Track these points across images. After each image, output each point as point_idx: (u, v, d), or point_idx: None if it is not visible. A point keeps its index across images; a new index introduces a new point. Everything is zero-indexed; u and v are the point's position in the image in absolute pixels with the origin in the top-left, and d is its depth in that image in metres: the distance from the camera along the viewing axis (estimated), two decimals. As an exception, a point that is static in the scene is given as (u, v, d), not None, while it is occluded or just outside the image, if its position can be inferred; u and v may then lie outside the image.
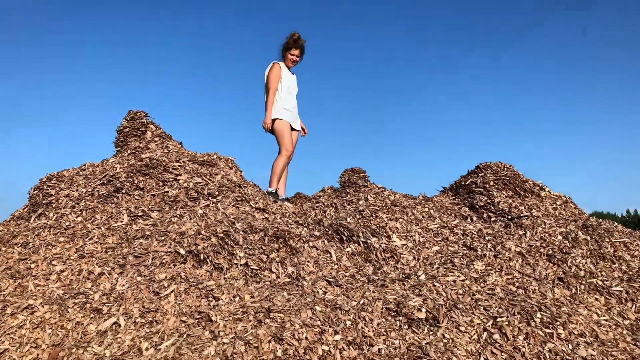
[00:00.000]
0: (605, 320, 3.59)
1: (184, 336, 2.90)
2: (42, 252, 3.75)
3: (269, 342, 2.82)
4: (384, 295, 3.35)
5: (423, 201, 5.05)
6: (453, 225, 4.40)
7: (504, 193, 5.11)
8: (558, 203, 5.27)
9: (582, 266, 3.98)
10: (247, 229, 3.76)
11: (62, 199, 4.33)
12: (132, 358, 2.81)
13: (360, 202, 4.67)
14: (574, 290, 3.78)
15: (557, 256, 4.00)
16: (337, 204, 4.80)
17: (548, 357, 3.01)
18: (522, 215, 4.81)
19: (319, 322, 2.98)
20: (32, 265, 3.60)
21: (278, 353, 2.75)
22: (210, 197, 4.26)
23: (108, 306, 3.12)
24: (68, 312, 3.10)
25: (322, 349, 2.83)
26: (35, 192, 4.53)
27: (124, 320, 3.03)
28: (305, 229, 4.10)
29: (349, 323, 3.02)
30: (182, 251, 3.51)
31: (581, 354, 3.08)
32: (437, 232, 4.31)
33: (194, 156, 4.85)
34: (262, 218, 4.22)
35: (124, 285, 3.29)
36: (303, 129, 5.59)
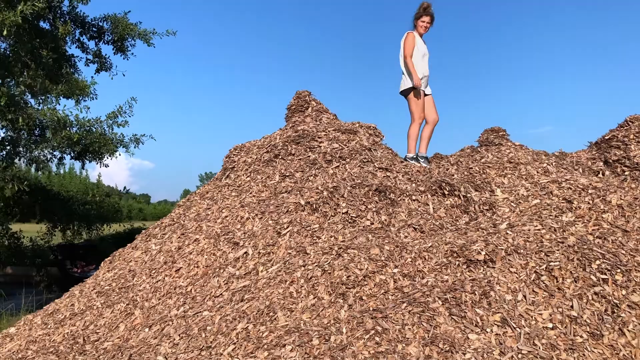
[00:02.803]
0: (698, 273, 3.50)
1: (286, 263, 3.91)
2: (219, 203, 5.14)
3: (340, 270, 3.66)
4: (455, 240, 3.87)
5: (554, 158, 5.16)
6: (564, 180, 4.53)
7: (645, 146, 4.90)
8: None
9: (692, 220, 3.82)
10: (355, 185, 4.58)
11: (240, 164, 5.70)
12: (251, 276, 3.94)
13: (482, 160, 5.06)
14: (670, 243, 3.71)
15: (660, 209, 3.91)
16: (463, 162, 5.26)
17: (591, 298, 3.23)
18: (659, 168, 4.62)
19: (383, 258, 3.71)
20: (209, 212, 5.00)
21: (343, 278, 3.58)
22: (341, 160, 5.16)
23: (244, 241, 4.30)
24: (219, 244, 4.37)
25: (380, 278, 3.57)
26: (226, 159, 6.00)
27: (252, 250, 4.17)
28: (413, 184, 4.73)
29: (409, 260, 3.68)
30: (302, 202, 4.51)
31: (633, 299, 3.21)
32: (544, 187, 4.51)
33: (340, 126, 5.78)
34: (383, 176, 4.97)
35: (259, 226, 4.44)
36: None
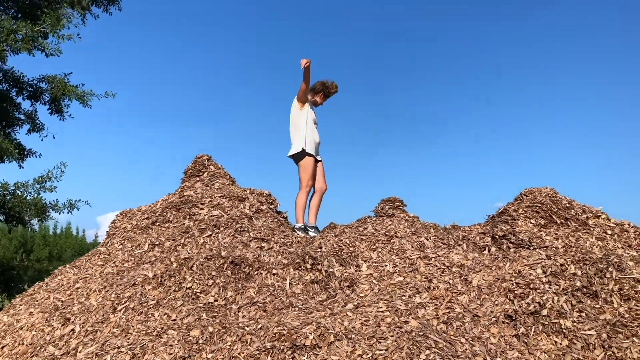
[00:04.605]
0: (545, 366, 3.12)
1: (104, 345, 3.52)
2: (81, 273, 4.77)
3: (152, 354, 3.27)
4: (292, 321, 3.50)
5: (439, 232, 4.85)
6: (435, 257, 4.21)
7: (533, 221, 4.61)
8: (609, 232, 4.52)
9: (550, 304, 3.47)
10: (210, 256, 4.25)
11: (120, 231, 5.37)
12: (67, 357, 3.53)
13: (363, 232, 4.74)
14: (522, 330, 3.35)
15: (517, 291, 3.57)
16: (346, 233, 4.94)
17: (409, 396, 2.84)
18: (543, 246, 4.31)
19: (201, 341, 3.32)
20: (66, 283, 4.63)
21: (150, 364, 3.18)
22: (215, 228, 4.84)
23: (77, 316, 3.91)
24: (53, 319, 3.98)
25: (190, 364, 3.17)
26: (111, 225, 5.68)
27: (79, 328, 3.78)
28: (279, 257, 4.39)
29: (229, 344, 3.29)
30: (150, 275, 4.16)
31: (456, 398, 2.82)
32: (412, 262, 4.18)
33: (231, 192, 5.50)
34: (256, 247, 4.63)
35: (99, 300, 4.07)
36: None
